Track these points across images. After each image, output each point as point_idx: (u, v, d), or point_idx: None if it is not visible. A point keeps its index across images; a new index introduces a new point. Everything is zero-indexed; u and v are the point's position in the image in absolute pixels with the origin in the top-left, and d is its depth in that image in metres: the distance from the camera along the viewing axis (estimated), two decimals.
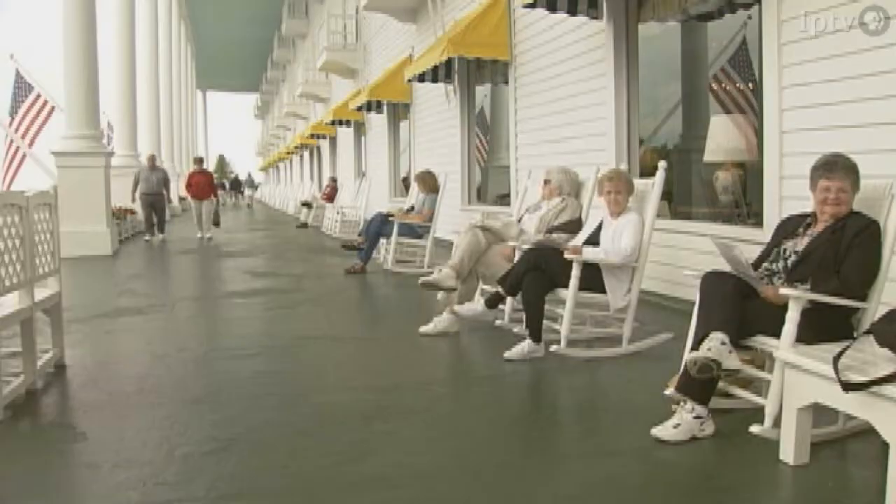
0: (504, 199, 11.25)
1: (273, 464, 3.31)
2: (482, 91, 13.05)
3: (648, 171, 5.22)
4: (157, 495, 2.96)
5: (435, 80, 12.43)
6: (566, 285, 4.91)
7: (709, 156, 7.23)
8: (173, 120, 30.66)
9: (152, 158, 17.01)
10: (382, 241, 10.25)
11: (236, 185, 51.90)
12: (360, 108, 17.42)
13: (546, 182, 6.20)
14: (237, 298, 8.20)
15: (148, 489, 3.01)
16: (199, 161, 18.63)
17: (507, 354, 5.01)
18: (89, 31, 13.01)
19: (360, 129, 21.80)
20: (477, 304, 5.39)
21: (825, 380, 2.95)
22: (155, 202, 16.16)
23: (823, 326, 3.39)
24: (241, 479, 3.14)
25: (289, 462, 3.32)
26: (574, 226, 5.77)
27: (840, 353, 2.95)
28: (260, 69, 49.23)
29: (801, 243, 3.75)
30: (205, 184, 17.11)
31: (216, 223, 17.31)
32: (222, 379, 4.87)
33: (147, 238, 15.75)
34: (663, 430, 3.48)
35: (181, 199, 26.00)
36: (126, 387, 4.56)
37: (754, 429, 3.41)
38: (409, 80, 13.01)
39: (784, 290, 3.37)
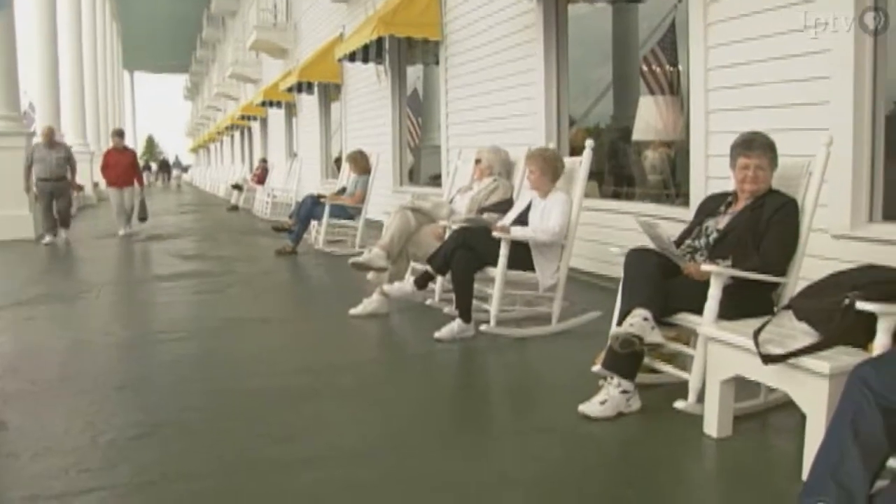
0: (437, 180, 11.21)
1: (199, 447, 3.27)
2: (415, 72, 12.96)
3: (579, 151, 5.24)
4: (80, 483, 2.89)
5: (366, 61, 12.28)
6: (495, 264, 4.91)
7: (637, 135, 7.31)
8: (99, 101, 29.77)
9: (49, 132, 12.21)
10: (314, 222, 10.15)
11: (164, 167, 50.85)
12: (290, 89, 17.13)
13: (477, 162, 6.19)
14: (164, 282, 8.04)
15: (70, 477, 2.94)
16: (120, 134, 13.56)
17: (437, 334, 4.99)
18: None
19: (291, 110, 21.49)
20: (406, 284, 5.36)
21: (746, 353, 3.01)
22: (55, 190, 11.88)
23: (745, 302, 3.45)
24: (166, 463, 3.08)
25: (215, 445, 3.28)
26: (505, 206, 5.76)
27: (760, 328, 3.00)
28: (189, 49, 48.15)
29: (723, 221, 3.80)
30: (125, 166, 12.88)
31: (142, 218, 13.20)
32: (148, 364, 4.78)
33: (47, 240, 11.74)
34: (590, 407, 3.51)
35: (95, 184, 22.06)
36: (48, 374, 4.44)
37: (679, 404, 3.47)
38: (340, 60, 12.87)
39: (706, 267, 3.41)
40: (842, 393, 2.34)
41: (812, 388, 2.76)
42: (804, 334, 3.02)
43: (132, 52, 47.51)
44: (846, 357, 2.73)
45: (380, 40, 11.08)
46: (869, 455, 2.17)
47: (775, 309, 3.46)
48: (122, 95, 45.62)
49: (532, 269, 5.05)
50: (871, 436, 2.19)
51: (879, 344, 2.62)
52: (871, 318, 2.66)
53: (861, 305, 2.67)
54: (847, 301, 2.80)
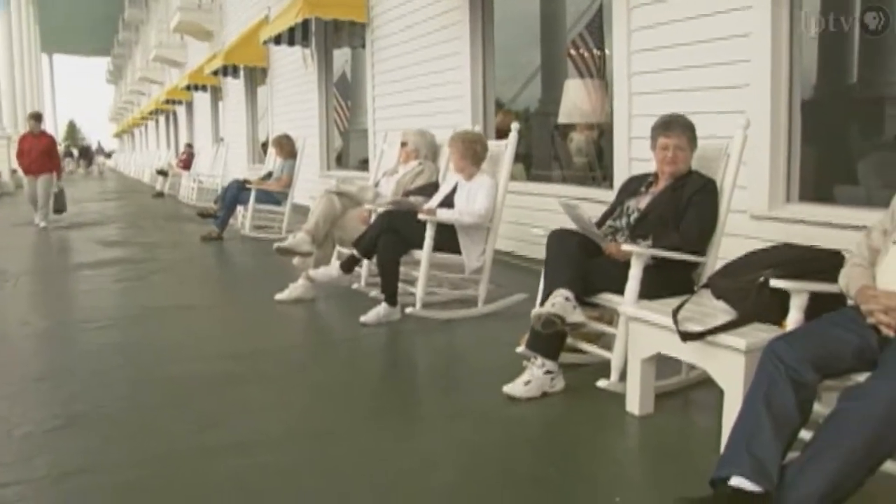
0: (366, 164, 11.12)
1: (121, 437, 3.20)
2: (343, 55, 12.83)
3: (507, 135, 5.24)
4: None
5: (291, 43, 12.15)
6: (421, 247, 4.89)
7: (562, 118, 7.34)
8: (16, 84, 28.81)
9: None
10: (240, 208, 10.00)
11: (86, 154, 49.45)
12: (216, 73, 16.85)
13: (403, 145, 6.16)
14: (86, 270, 7.84)
15: None
16: (36, 118, 12.53)
17: (363, 319, 4.96)
18: None
19: (217, 94, 21.12)
20: (332, 269, 5.31)
21: (666, 331, 3.04)
22: None
23: (665, 282, 3.49)
24: (85, 454, 3.01)
25: (138, 435, 3.21)
26: (431, 189, 5.73)
27: (679, 306, 3.05)
28: (111, 31, 46.87)
29: (643, 201, 3.85)
30: (42, 152, 11.96)
31: (59, 210, 12.30)
32: (68, 354, 4.66)
33: None
34: (515, 388, 3.53)
35: (13, 171, 20.51)
36: None
37: (601, 383, 3.50)
38: (265, 43, 12.69)
39: (626, 247, 3.45)
40: (756, 368, 2.39)
41: (729, 364, 2.81)
42: (722, 312, 3.08)
43: (51, 33, 45.96)
44: (761, 333, 2.79)
45: (305, 23, 10.96)
46: (781, 427, 2.22)
47: (695, 288, 3.52)
48: (40, 78, 44.08)
49: (458, 251, 5.04)
50: (783, 409, 2.24)
51: (792, 320, 2.68)
52: (785, 296, 2.71)
53: (775, 283, 2.72)
54: (762, 279, 2.86)
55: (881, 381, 2.14)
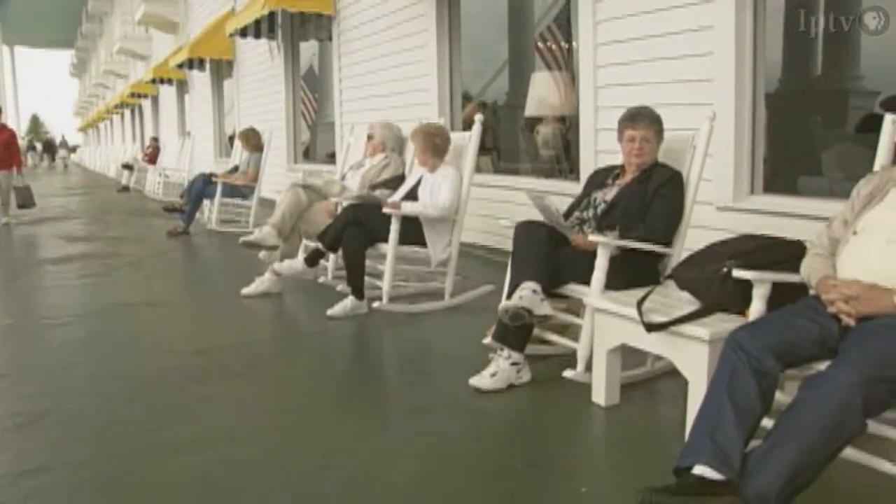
0: (334, 158, 11.08)
1: (84, 434, 3.15)
2: (311, 48, 12.74)
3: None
4: None
5: (258, 36, 12.04)
6: (387, 240, 4.87)
7: (529, 111, 7.34)
8: None
9: None
10: (206, 202, 9.92)
11: (49, 148, 48.76)
12: (181, 66, 16.69)
13: (369, 137, 6.13)
14: (49, 266, 7.72)
15: None
16: None
17: (329, 312, 4.94)
18: None
19: (182, 87, 20.91)
20: (297, 262, 5.29)
21: (630, 322, 3.06)
22: None
23: (632, 273, 3.51)
24: (47, 452, 2.95)
25: (102, 432, 3.17)
26: (397, 182, 5.72)
27: (644, 297, 3.07)
28: (74, 23, 46.22)
29: (610, 193, 3.86)
30: (1, 145, 11.33)
31: (25, 205, 11.74)
32: (31, 351, 4.59)
33: None
34: (481, 380, 3.52)
35: None
36: None
37: (567, 373, 3.51)
38: (231, 35, 12.56)
39: (593, 237, 3.46)
40: (719, 357, 2.40)
41: (693, 354, 2.83)
42: (686, 303, 3.09)
43: (12, 25, 45.26)
44: (725, 323, 2.80)
45: (272, 15, 10.87)
46: (743, 416, 2.24)
47: (661, 279, 3.54)
48: (1, 71, 43.38)
49: (424, 244, 5.03)
50: (745, 398, 2.26)
51: (755, 310, 2.69)
52: (748, 286, 2.72)
53: (737, 273, 2.73)
54: (725, 270, 2.87)
55: (840, 370, 2.15)
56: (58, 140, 54.55)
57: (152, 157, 19.73)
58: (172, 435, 3.10)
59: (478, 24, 8.16)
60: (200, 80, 18.24)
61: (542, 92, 7.22)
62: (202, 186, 9.65)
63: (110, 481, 2.72)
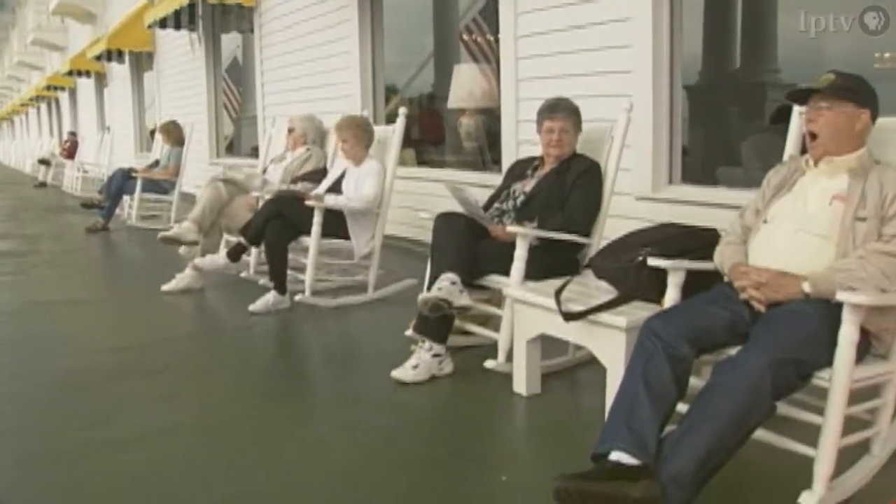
0: (258, 152, 10.93)
1: (5, 436, 3.06)
2: (234, 40, 12.52)
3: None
4: None
5: (178, 27, 11.78)
6: (309, 233, 4.82)
7: (452, 103, 7.35)
8: None
9: None
10: (126, 198, 9.68)
11: None
12: (99, 58, 16.24)
13: (290, 130, 6.06)
14: None
15: None
16: None
17: (252, 307, 4.88)
18: None
19: (101, 80, 20.36)
20: (219, 257, 5.20)
21: (549, 312, 3.08)
22: None
23: (551, 264, 3.54)
24: None
25: (18, 435, 3.08)
26: (319, 175, 5.65)
27: (562, 287, 3.10)
28: None
29: (529, 184, 3.89)
30: None
31: None
32: None
33: None
34: (403, 372, 3.53)
35: None
36: None
37: (489, 364, 3.53)
38: (150, 27, 12.28)
39: (511, 228, 3.48)
40: (635, 345, 2.43)
41: (610, 342, 2.87)
42: (604, 292, 3.14)
43: None
44: (641, 311, 2.85)
45: (192, 6, 10.65)
46: (659, 401, 2.27)
47: (580, 269, 3.58)
48: None
49: (347, 237, 5.00)
50: (660, 383, 2.29)
51: (669, 298, 2.73)
52: (664, 274, 2.76)
53: (653, 262, 2.77)
54: (640, 258, 2.92)
55: (749, 354, 2.21)
56: None
57: (70, 151, 19.16)
58: (91, 436, 3.03)
59: (402, 16, 8.12)
60: (120, 73, 17.77)
61: (466, 84, 7.23)
62: (122, 182, 9.40)
63: (29, 485, 2.64)
